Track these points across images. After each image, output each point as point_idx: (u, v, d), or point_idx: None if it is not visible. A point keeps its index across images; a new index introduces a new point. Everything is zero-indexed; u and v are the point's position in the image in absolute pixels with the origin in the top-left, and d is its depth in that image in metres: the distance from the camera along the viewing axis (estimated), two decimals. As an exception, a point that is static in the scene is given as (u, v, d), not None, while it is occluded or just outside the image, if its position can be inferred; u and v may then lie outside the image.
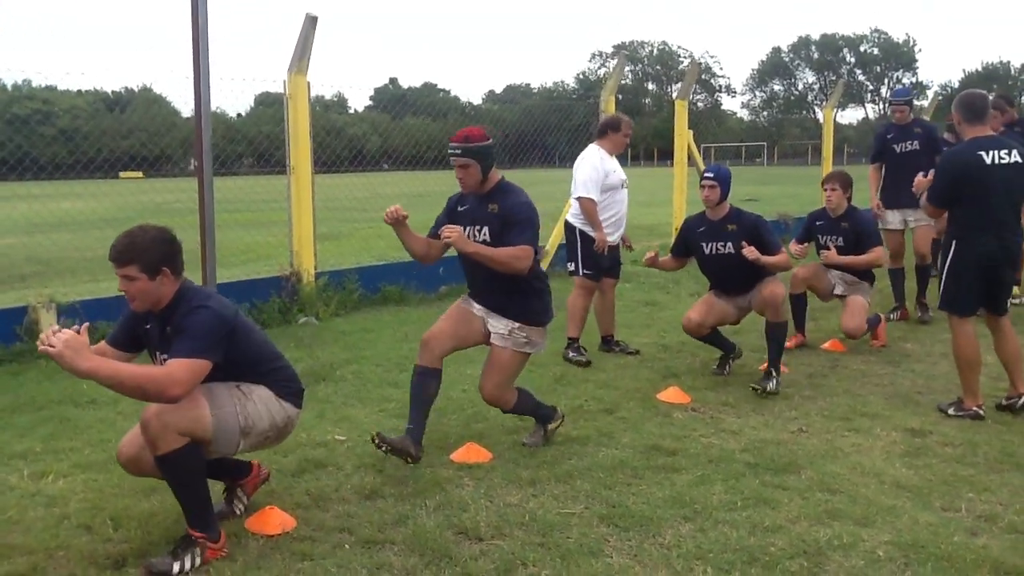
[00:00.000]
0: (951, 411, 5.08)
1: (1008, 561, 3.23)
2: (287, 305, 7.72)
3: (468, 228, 4.35)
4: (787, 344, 6.48)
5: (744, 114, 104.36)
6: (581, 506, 3.80)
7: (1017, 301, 8.22)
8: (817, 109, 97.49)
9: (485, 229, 4.34)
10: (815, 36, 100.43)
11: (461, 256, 4.38)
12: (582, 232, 6.57)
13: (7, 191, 17.79)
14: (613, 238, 6.68)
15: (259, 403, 3.48)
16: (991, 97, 7.78)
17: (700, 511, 3.72)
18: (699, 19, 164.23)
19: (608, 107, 10.22)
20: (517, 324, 4.38)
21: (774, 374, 5.60)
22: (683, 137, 11.54)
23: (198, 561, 3.24)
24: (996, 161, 4.91)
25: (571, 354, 6.52)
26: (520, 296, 4.39)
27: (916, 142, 7.79)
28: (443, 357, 4.43)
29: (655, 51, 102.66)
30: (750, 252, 5.57)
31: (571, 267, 6.74)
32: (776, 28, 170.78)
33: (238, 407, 3.40)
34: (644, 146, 75.69)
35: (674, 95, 13.52)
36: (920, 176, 5.91)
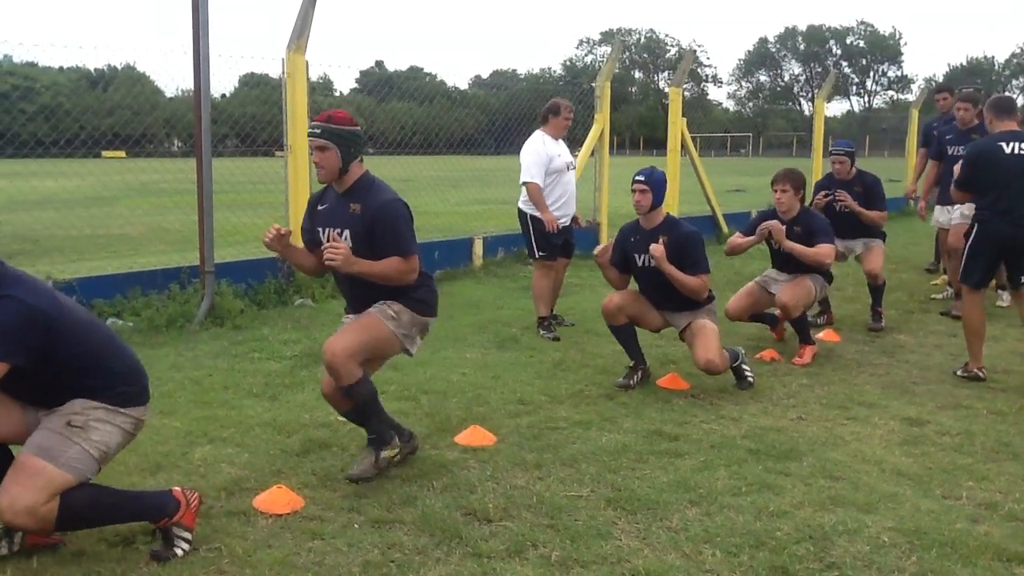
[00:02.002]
0: (959, 372, 5.71)
1: (1010, 548, 3.28)
2: (283, 286, 7.71)
3: (327, 230, 3.90)
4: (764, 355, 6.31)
5: (730, 104, 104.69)
6: (587, 489, 3.83)
7: (940, 296, 8.39)
8: (803, 100, 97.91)
9: (347, 232, 3.85)
10: (802, 27, 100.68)
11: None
12: (532, 217, 6.95)
13: (-13, 166, 17.64)
14: (563, 219, 7.00)
15: (101, 426, 3.04)
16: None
17: (705, 495, 3.75)
18: (687, 7, 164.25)
19: (604, 92, 10.22)
20: (390, 299, 3.91)
21: (739, 366, 5.41)
22: (677, 125, 11.56)
23: (187, 534, 3.20)
24: (1015, 151, 5.33)
25: (541, 332, 6.89)
26: (399, 293, 3.92)
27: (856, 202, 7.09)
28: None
29: (642, 39, 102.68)
30: (656, 249, 5.13)
31: (528, 251, 7.22)
32: (763, 18, 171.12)
33: (83, 444, 2.97)
34: (630, 135, 75.83)
35: (661, 84, 13.53)
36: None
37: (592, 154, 10.79)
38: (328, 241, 3.82)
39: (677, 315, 5.46)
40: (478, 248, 9.93)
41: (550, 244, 6.93)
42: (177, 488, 3.31)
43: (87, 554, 3.17)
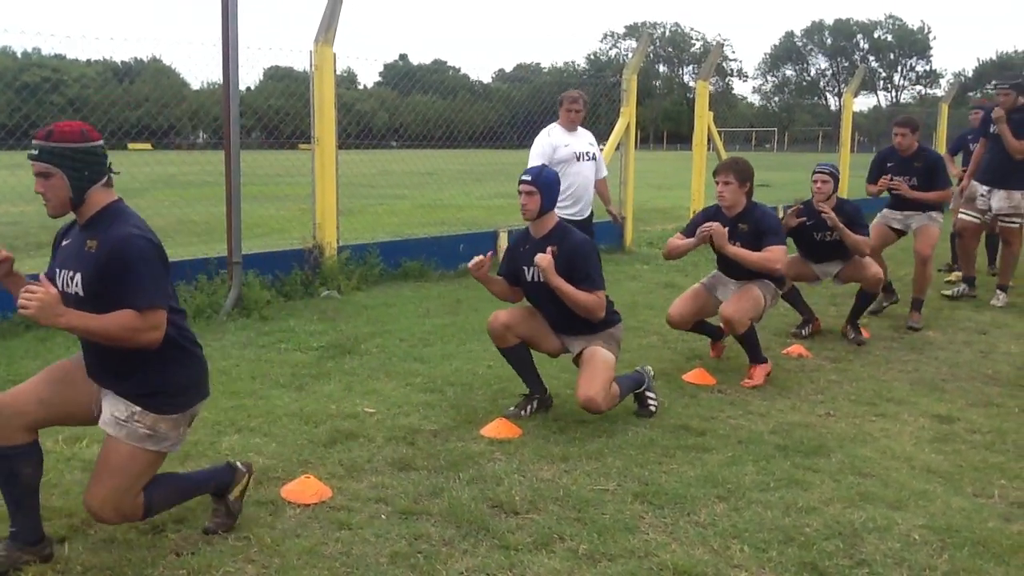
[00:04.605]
0: None
1: (1044, 547, 3.24)
2: (310, 278, 7.75)
3: (62, 273, 3.00)
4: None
5: (755, 99, 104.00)
6: (614, 483, 3.81)
7: (951, 292, 8.16)
8: (829, 95, 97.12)
9: (78, 276, 2.94)
10: (829, 21, 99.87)
11: None
12: None
13: (16, 159, 17.81)
14: (572, 211, 6.73)
15: None
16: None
17: (733, 491, 3.73)
18: (712, 1, 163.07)
19: (630, 86, 10.18)
20: (137, 408, 3.00)
21: (643, 394, 4.77)
22: (703, 119, 11.49)
23: None
24: None
25: None
26: (143, 369, 3.02)
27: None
28: (30, 428, 3.03)
29: (667, 32, 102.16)
30: (542, 259, 4.40)
31: None
32: (789, 12, 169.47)
33: None
34: (654, 129, 75.52)
35: (686, 78, 13.45)
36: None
37: (618, 148, 10.74)
38: (62, 285, 2.98)
39: (572, 339, 4.71)
40: (503, 241, 9.91)
41: None
42: None
43: (117, 541, 3.20)
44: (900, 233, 7.46)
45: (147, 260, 2.91)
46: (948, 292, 8.18)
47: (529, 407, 4.74)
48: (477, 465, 3.98)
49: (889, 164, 7.32)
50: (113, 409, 3.01)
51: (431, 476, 3.85)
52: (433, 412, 4.70)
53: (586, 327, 4.61)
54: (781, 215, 6.76)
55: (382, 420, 4.57)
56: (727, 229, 5.34)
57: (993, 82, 8.24)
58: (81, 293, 2.93)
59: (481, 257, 4.55)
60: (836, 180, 6.47)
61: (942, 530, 3.38)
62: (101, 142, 2.98)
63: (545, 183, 4.51)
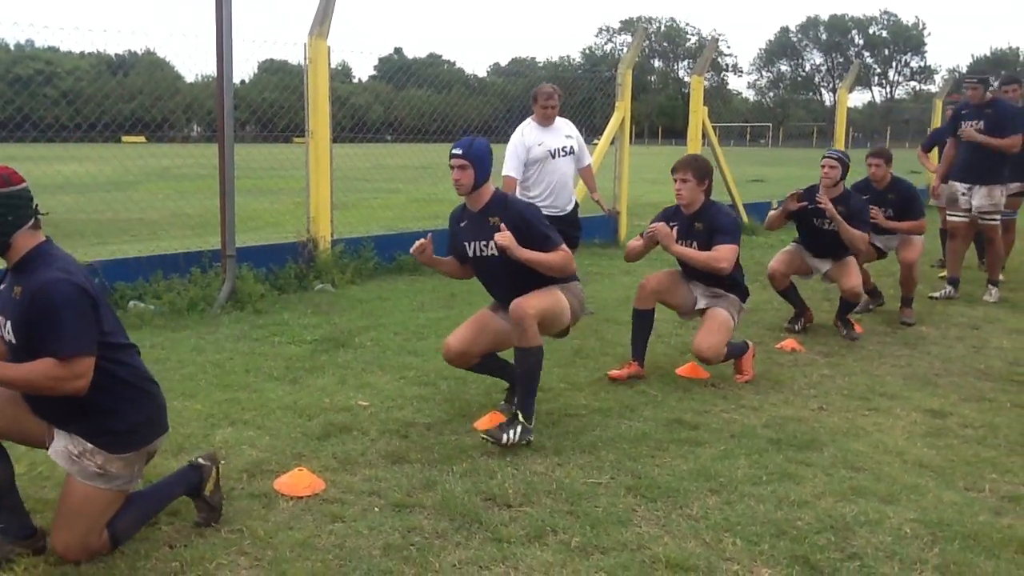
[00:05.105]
0: None
1: (1034, 541, 3.26)
2: (304, 271, 7.75)
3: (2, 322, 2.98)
4: (620, 373, 5.31)
5: (750, 94, 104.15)
6: (607, 476, 3.82)
7: (937, 295, 8.12)
8: (824, 91, 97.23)
9: (8, 324, 2.90)
10: (824, 17, 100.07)
11: None
12: None
13: (8, 152, 17.76)
14: (552, 209, 6.52)
15: None
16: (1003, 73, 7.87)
17: (725, 484, 3.74)
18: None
19: (625, 80, 10.17)
20: (89, 446, 2.97)
21: (519, 419, 4.18)
22: (698, 114, 11.49)
23: None
24: None
25: None
26: (92, 409, 2.96)
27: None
28: None
29: (662, 27, 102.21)
30: (503, 239, 4.21)
31: None
32: (785, 8, 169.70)
33: None
34: (649, 124, 75.55)
35: (681, 73, 13.44)
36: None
37: (612, 142, 10.74)
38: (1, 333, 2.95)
39: None
40: (497, 235, 9.92)
41: None
42: None
43: (111, 533, 3.19)
44: (880, 253, 7.44)
45: (71, 305, 2.79)
46: (934, 294, 8.15)
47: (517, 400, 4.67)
48: (470, 458, 3.99)
49: (864, 197, 7.28)
50: (68, 442, 2.98)
51: (424, 469, 3.86)
52: (427, 405, 4.71)
53: (539, 286, 4.40)
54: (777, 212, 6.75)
55: (376, 413, 4.57)
56: (684, 227, 5.29)
57: (965, 80, 8.23)
58: (14, 341, 2.88)
59: (422, 241, 4.41)
60: (845, 167, 6.38)
61: (933, 524, 3.40)
62: (24, 185, 2.90)
63: (476, 155, 4.28)
